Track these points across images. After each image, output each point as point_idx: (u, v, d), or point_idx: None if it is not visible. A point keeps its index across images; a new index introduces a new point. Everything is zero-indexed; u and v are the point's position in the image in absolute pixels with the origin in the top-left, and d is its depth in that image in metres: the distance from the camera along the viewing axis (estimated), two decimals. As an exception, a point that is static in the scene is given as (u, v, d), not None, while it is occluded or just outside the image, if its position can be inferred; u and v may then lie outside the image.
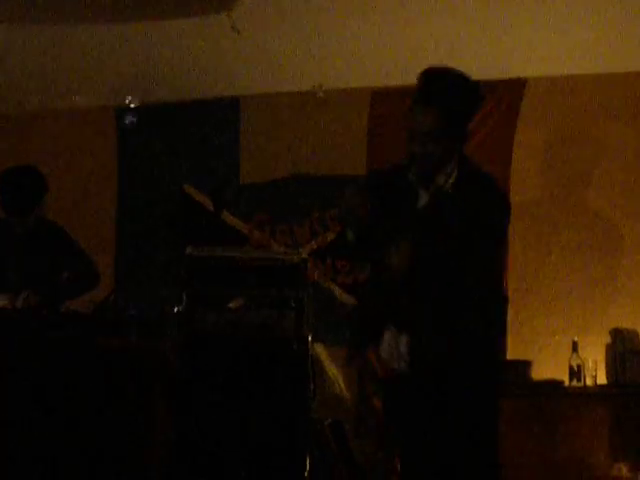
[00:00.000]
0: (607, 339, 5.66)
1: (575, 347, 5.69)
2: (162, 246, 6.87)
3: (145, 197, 7.04)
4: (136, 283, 6.76)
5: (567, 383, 5.65)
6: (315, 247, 6.65)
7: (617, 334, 5.62)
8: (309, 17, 5.47)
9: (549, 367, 5.73)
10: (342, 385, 6.54)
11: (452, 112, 3.20)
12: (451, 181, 3.19)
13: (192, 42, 5.88)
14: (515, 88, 6.36)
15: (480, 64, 6.13)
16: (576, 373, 5.61)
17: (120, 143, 7.24)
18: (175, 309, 4.47)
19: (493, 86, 6.40)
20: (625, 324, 5.70)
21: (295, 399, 4.48)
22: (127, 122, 5.77)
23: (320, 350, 6.33)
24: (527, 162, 6.22)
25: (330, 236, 6.72)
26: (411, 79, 6.35)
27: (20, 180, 5.01)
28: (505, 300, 3.36)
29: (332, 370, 6.54)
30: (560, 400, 5.49)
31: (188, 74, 6.49)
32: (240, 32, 5.42)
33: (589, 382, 5.63)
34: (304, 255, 4.88)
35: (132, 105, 6.30)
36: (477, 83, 3.32)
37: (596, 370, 5.62)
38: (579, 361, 5.65)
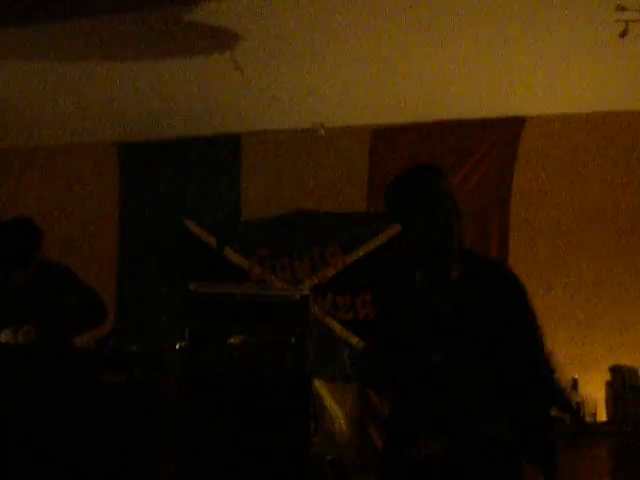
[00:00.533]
0: (607, 376, 5.68)
1: (575, 385, 5.71)
2: (163, 281, 6.90)
3: (147, 232, 7.09)
4: (137, 318, 6.78)
5: (568, 421, 5.66)
6: (315, 282, 6.68)
7: (617, 371, 5.64)
8: (310, 56, 5.52)
9: (549, 405, 5.74)
10: (342, 421, 6.54)
11: (451, 193, 3.12)
12: (462, 275, 3.08)
13: (194, 79, 5.93)
14: (513, 126, 6.43)
15: (478, 103, 6.23)
16: (576, 411, 5.62)
17: (122, 179, 7.30)
18: (177, 345, 4.48)
19: (491, 124, 6.48)
20: (625, 361, 5.72)
21: (296, 436, 4.47)
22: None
23: (320, 386, 6.34)
24: (526, 200, 6.26)
25: (330, 272, 6.75)
26: (410, 117, 6.52)
27: (14, 234, 5.06)
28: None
29: (332, 406, 6.54)
30: (561, 438, 5.48)
31: (190, 111, 6.55)
32: (243, 72, 5.48)
33: (589, 419, 5.64)
34: (306, 292, 4.90)
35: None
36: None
37: (596, 407, 5.64)
38: (579, 399, 5.67)
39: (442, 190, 3.06)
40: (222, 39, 5.27)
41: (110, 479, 4.16)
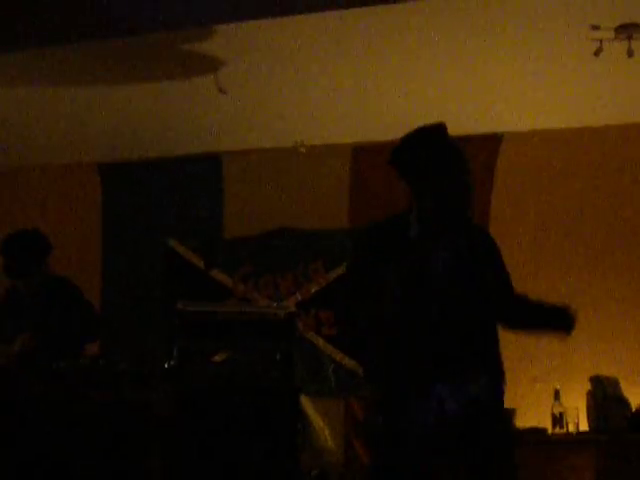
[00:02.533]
0: (588, 386, 5.77)
1: (557, 395, 5.79)
2: (147, 300, 6.94)
3: (130, 252, 7.12)
4: (122, 338, 6.80)
5: (550, 430, 5.75)
6: (299, 299, 6.74)
7: (597, 381, 5.73)
8: (291, 76, 5.59)
9: (532, 415, 5.82)
10: (328, 436, 6.58)
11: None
12: (462, 240, 3.29)
13: (176, 100, 5.99)
14: (491, 143, 6.53)
15: (457, 120, 6.27)
16: (558, 420, 5.71)
17: (104, 199, 7.33)
18: (166, 364, 4.52)
19: (469, 141, 6.56)
20: (605, 372, 5.81)
21: (284, 451, 4.53)
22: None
23: (305, 401, 6.37)
24: (504, 215, 6.35)
25: (313, 288, 6.82)
26: (390, 135, 6.57)
27: (21, 244, 5.10)
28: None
29: (317, 421, 6.58)
30: (543, 447, 5.57)
31: (172, 131, 6.61)
32: (226, 92, 5.55)
33: (571, 429, 5.73)
34: (291, 309, 4.96)
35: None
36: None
37: (578, 417, 5.72)
38: (561, 409, 5.75)
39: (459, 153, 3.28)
40: (205, 62, 5.34)
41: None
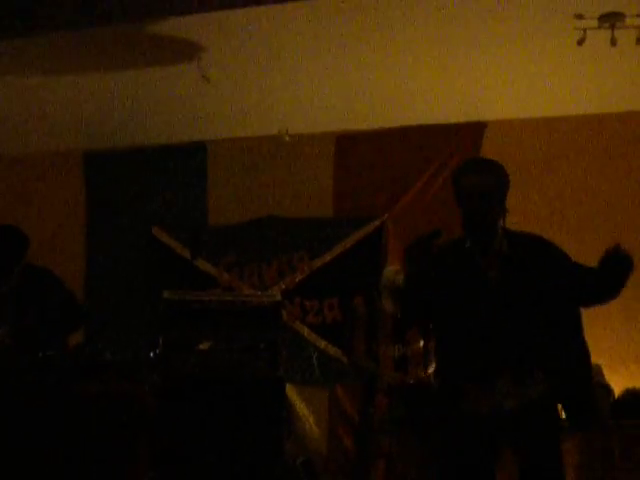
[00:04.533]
0: (570, 374, 5.80)
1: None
2: (131, 289, 6.93)
3: (114, 240, 7.11)
4: (106, 326, 6.79)
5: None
6: (283, 288, 6.75)
7: (580, 369, 5.76)
8: (275, 64, 5.59)
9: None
10: (312, 424, 6.62)
11: (500, 181, 3.60)
12: (505, 247, 3.59)
13: (160, 88, 5.98)
14: (475, 131, 6.55)
15: (441, 108, 6.34)
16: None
17: (88, 187, 7.32)
18: (152, 353, 4.53)
19: (454, 129, 6.60)
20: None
21: (270, 439, 4.55)
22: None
23: (289, 389, 6.39)
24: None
25: (298, 277, 6.83)
26: (375, 123, 6.61)
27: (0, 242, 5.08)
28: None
29: (302, 410, 6.61)
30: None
31: (156, 119, 6.60)
32: (210, 80, 5.54)
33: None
34: (277, 298, 4.98)
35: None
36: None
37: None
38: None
39: (484, 185, 3.55)
40: (188, 50, 5.33)
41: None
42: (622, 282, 3.52)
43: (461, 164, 3.78)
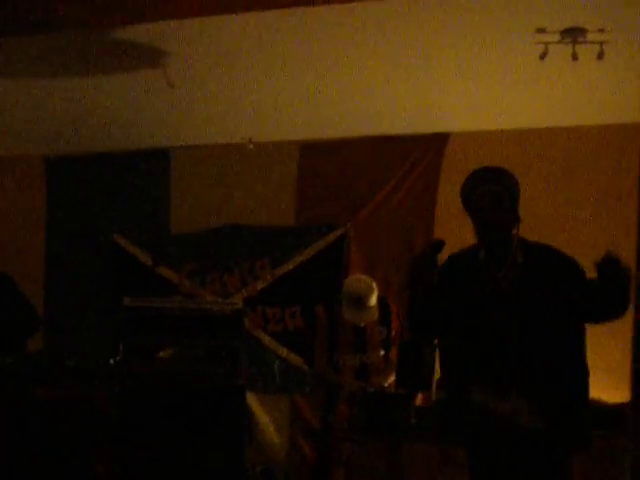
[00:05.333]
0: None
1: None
2: (92, 295, 6.89)
3: (75, 246, 7.06)
4: (66, 334, 6.74)
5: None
6: (245, 295, 6.74)
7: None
8: (239, 72, 5.59)
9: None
10: (273, 432, 6.61)
11: (512, 189, 3.55)
12: (520, 259, 3.49)
13: (125, 94, 5.95)
14: (437, 142, 6.61)
15: (404, 119, 6.38)
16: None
17: (50, 193, 7.26)
18: (112, 360, 4.51)
19: (416, 140, 6.65)
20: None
21: (230, 447, 4.55)
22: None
23: (250, 397, 6.39)
24: (450, 214, 6.41)
25: (260, 285, 6.83)
26: (338, 133, 6.64)
27: None
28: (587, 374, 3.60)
29: (262, 418, 6.60)
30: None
31: (119, 125, 6.57)
32: (174, 86, 5.54)
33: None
34: (239, 305, 4.98)
35: None
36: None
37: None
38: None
39: (494, 193, 3.50)
40: (153, 56, 5.31)
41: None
42: (625, 290, 3.42)
43: (469, 174, 3.68)
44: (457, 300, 3.47)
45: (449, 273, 3.51)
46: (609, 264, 3.36)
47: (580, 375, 3.49)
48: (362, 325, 5.28)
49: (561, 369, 3.42)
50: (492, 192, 3.47)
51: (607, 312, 3.49)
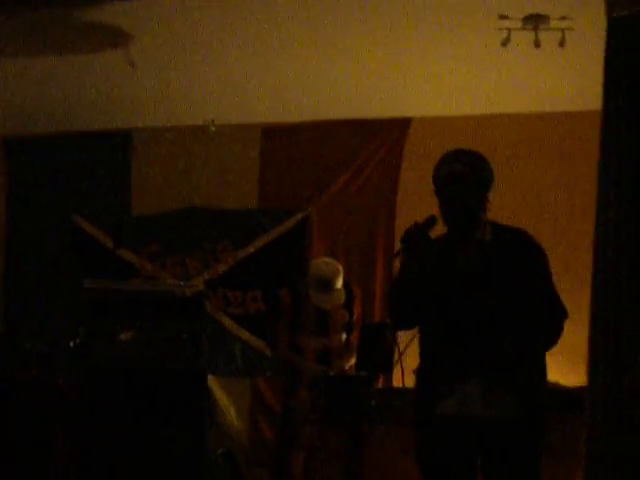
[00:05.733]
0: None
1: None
2: (52, 277, 6.84)
3: (35, 228, 7.00)
4: (26, 316, 6.69)
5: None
6: (207, 278, 6.73)
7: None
8: (202, 53, 5.56)
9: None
10: (233, 416, 6.62)
11: (480, 171, 3.51)
12: (488, 237, 3.48)
13: (86, 74, 5.89)
14: (399, 127, 6.62)
15: (366, 104, 6.39)
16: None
17: (9, 173, 7.18)
18: (72, 343, 4.48)
19: (379, 124, 6.66)
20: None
21: (191, 430, 4.55)
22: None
23: (211, 380, 6.39)
24: (412, 199, 6.45)
25: (221, 268, 6.82)
26: (301, 117, 6.63)
27: None
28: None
29: (223, 401, 6.61)
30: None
31: (80, 106, 6.50)
32: (136, 67, 5.49)
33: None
34: (200, 288, 4.97)
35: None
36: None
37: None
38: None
39: (457, 172, 3.47)
40: (115, 36, 5.26)
41: (8, 477, 4.14)
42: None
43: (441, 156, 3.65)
44: (433, 279, 3.44)
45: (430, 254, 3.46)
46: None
47: (541, 363, 3.47)
48: (328, 308, 5.30)
49: (525, 355, 3.39)
50: (457, 171, 3.45)
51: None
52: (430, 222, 3.44)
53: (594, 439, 2.34)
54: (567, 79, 5.73)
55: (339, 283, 5.30)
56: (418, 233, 3.42)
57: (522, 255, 3.46)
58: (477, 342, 3.36)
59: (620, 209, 2.29)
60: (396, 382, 5.87)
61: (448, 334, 3.40)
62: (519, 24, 4.92)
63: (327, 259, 5.57)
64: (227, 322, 6.75)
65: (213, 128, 6.69)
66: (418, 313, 3.48)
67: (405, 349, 4.31)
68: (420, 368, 3.53)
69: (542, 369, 3.48)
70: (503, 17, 4.88)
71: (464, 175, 3.45)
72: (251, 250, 6.76)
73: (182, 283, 5.70)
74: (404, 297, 3.46)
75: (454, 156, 3.53)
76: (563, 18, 4.85)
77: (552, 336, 3.45)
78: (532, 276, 3.43)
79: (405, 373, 4.27)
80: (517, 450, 3.34)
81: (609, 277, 2.25)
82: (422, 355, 3.52)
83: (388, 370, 5.05)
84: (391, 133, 6.66)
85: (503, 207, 6.23)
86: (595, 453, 2.30)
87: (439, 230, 3.54)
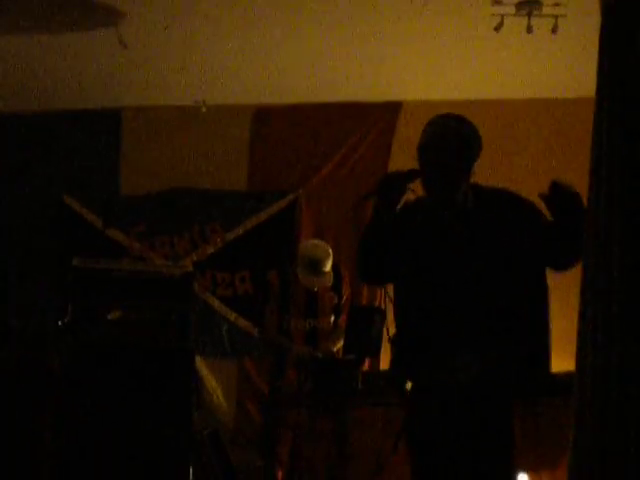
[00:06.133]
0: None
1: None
2: (40, 256, 6.81)
3: (23, 207, 6.95)
4: (14, 294, 6.67)
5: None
6: (195, 259, 6.73)
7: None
8: (194, 33, 5.54)
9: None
10: (220, 396, 6.63)
11: (463, 135, 3.37)
12: (470, 205, 3.35)
13: (77, 53, 5.87)
14: (390, 111, 6.63)
15: (358, 87, 6.38)
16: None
17: (-3, 151, 7.15)
18: (60, 321, 4.47)
19: (370, 108, 6.66)
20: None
21: (178, 411, 4.55)
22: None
23: (198, 362, 6.40)
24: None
25: (210, 249, 6.81)
26: (292, 98, 6.61)
27: None
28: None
29: (210, 382, 6.62)
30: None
31: (70, 84, 6.46)
32: (127, 46, 5.47)
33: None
34: (189, 268, 4.96)
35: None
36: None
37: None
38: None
39: (437, 136, 3.34)
40: (107, 15, 5.24)
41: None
42: (580, 219, 3.09)
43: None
44: (409, 247, 3.34)
45: (402, 218, 3.37)
46: (557, 193, 3.24)
47: (540, 331, 3.34)
48: (316, 290, 5.30)
49: (518, 323, 3.28)
50: (437, 133, 3.34)
51: (567, 251, 3.27)
52: (412, 174, 3.31)
53: (581, 421, 2.35)
54: (559, 65, 5.74)
55: (328, 265, 5.30)
56: (397, 181, 3.31)
57: (509, 217, 3.33)
58: (464, 309, 3.25)
59: (612, 195, 2.30)
60: (384, 365, 5.91)
61: (432, 301, 3.29)
62: (512, 10, 4.93)
63: (317, 241, 5.58)
64: (215, 303, 6.75)
65: (204, 109, 6.67)
66: (387, 268, 3.38)
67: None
68: (397, 337, 3.43)
69: (542, 334, 3.34)
70: (497, 2, 4.89)
71: (444, 136, 3.33)
72: (240, 232, 6.76)
73: (171, 263, 5.69)
74: (373, 246, 3.35)
75: (436, 118, 3.41)
76: (556, 5, 4.86)
77: (572, 259, 3.27)
78: (527, 232, 3.30)
79: None
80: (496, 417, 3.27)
81: (599, 259, 2.26)
82: (401, 323, 3.40)
83: (376, 353, 5.06)
84: (382, 117, 6.66)
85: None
86: (582, 436, 2.32)
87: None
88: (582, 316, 2.41)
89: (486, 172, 6.52)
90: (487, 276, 3.27)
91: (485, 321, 3.26)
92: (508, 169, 6.37)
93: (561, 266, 3.37)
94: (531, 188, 6.31)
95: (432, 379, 3.29)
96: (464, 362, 3.24)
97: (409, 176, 3.32)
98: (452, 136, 3.34)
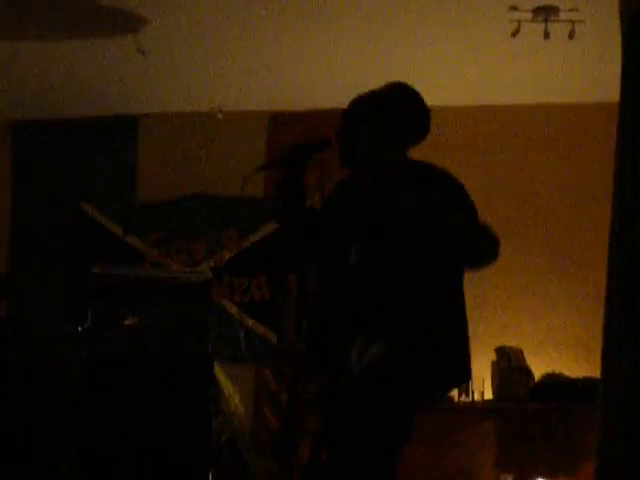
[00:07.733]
0: (493, 357, 5.94)
1: (463, 365, 5.96)
2: (58, 263, 6.84)
3: (41, 214, 6.98)
4: (32, 301, 6.70)
5: (456, 399, 5.91)
6: (212, 265, 6.74)
7: (502, 352, 5.92)
8: (210, 40, 5.57)
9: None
10: (238, 402, 6.63)
11: (375, 100, 3.26)
12: (382, 189, 3.10)
13: (94, 60, 5.89)
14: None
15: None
16: (464, 389, 5.87)
17: (15, 158, 7.17)
18: (80, 327, 4.50)
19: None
20: (510, 343, 6.00)
21: (198, 417, 4.57)
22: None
23: (216, 368, 6.40)
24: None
25: (227, 255, 6.83)
26: (308, 104, 6.62)
27: None
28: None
29: (227, 388, 6.62)
30: (450, 414, 5.73)
31: (88, 91, 6.49)
32: (146, 54, 5.50)
33: (477, 397, 5.92)
34: (208, 275, 4.98)
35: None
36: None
37: (483, 386, 5.90)
38: (467, 378, 5.92)
39: (352, 108, 3.29)
40: (126, 22, 5.27)
41: (14, 460, 4.16)
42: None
43: None
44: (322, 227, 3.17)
45: (329, 198, 3.27)
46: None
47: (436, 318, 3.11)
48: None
49: (420, 309, 3.02)
50: (350, 107, 3.29)
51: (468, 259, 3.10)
52: (321, 143, 3.18)
53: (608, 424, 2.35)
54: (576, 71, 5.74)
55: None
56: (302, 150, 3.18)
57: (428, 200, 2.99)
58: (360, 294, 3.01)
59: (637, 198, 2.30)
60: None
61: (328, 285, 3.09)
62: (529, 16, 4.93)
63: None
64: (232, 309, 6.76)
65: (220, 115, 6.68)
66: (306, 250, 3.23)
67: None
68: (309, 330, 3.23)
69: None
70: (513, 8, 4.89)
71: (356, 110, 3.23)
72: (256, 238, 6.77)
73: (189, 270, 5.70)
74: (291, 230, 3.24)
75: (354, 100, 3.29)
76: (573, 10, 4.85)
77: (480, 261, 3.12)
78: (442, 218, 2.97)
79: None
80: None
81: (625, 259, 2.25)
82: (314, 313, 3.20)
83: None
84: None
85: (509, 198, 6.34)
86: (609, 440, 2.31)
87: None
88: (607, 324, 2.41)
89: (502, 177, 6.56)
90: (394, 260, 3.00)
91: (383, 307, 3.00)
92: (524, 174, 6.38)
93: (467, 265, 3.17)
94: (550, 193, 6.37)
95: (328, 366, 3.10)
96: (360, 348, 3.00)
97: (317, 146, 3.20)
98: (362, 108, 3.23)
